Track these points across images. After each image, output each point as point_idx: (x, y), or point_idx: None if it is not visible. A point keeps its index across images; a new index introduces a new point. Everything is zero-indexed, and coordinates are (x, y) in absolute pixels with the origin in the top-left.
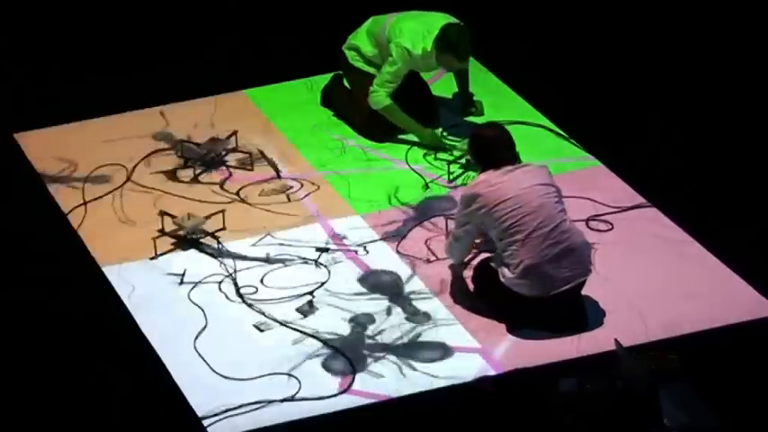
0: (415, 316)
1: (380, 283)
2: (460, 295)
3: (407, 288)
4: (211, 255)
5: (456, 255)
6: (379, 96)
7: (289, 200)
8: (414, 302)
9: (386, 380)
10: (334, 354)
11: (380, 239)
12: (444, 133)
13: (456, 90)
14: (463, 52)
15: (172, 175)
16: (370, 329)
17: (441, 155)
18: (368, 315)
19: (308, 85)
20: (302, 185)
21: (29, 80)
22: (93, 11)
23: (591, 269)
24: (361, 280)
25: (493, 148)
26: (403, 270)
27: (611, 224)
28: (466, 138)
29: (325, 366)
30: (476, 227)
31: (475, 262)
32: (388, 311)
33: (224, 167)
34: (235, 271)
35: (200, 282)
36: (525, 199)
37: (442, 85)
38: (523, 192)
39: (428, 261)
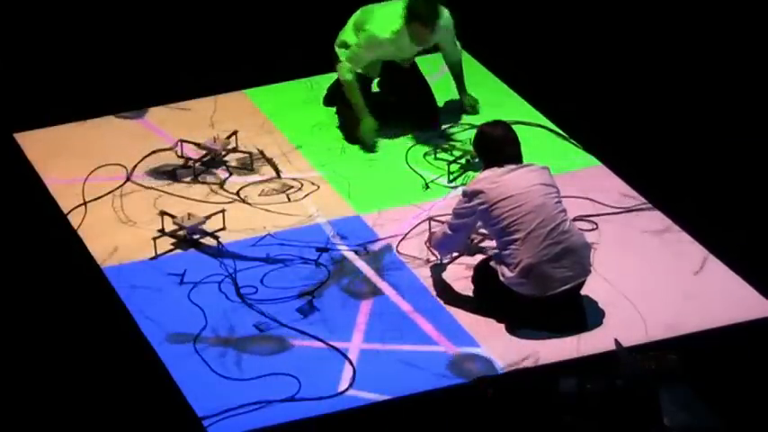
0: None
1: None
2: (460, 295)
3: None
4: (211, 255)
5: (446, 247)
6: (344, 70)
7: (289, 200)
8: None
9: (386, 380)
10: (335, 354)
11: (380, 239)
12: (445, 130)
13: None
14: (428, 17)
15: (172, 175)
16: (371, 329)
17: (441, 155)
18: (367, 315)
19: (308, 85)
20: (302, 185)
21: (29, 80)
22: (93, 11)
23: (590, 270)
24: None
25: (497, 146)
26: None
27: (596, 224)
28: (466, 138)
29: (325, 366)
30: (474, 222)
31: (463, 259)
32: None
33: (224, 167)
34: (235, 271)
35: (200, 282)
36: (526, 198)
37: (442, 86)
38: (525, 191)
39: (428, 261)
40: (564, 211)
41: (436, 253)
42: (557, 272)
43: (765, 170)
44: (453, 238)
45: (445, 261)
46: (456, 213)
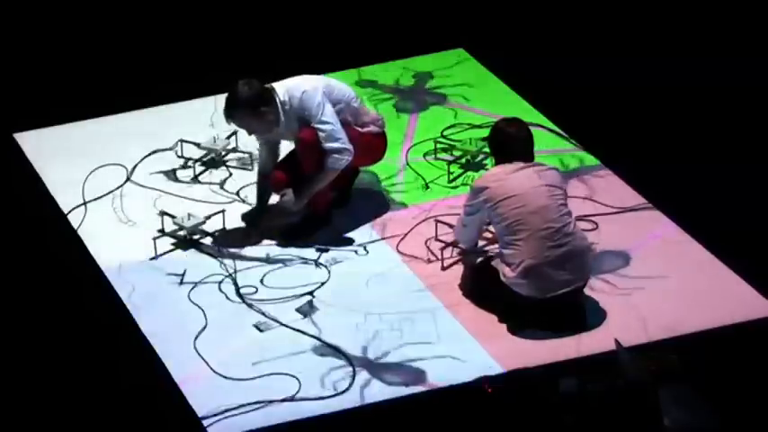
0: None
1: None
2: (461, 295)
3: None
4: (211, 255)
5: (465, 239)
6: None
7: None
8: None
9: (386, 380)
10: (335, 353)
11: (381, 239)
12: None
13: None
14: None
15: (172, 175)
16: (371, 330)
17: (441, 154)
18: (369, 316)
19: None
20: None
21: (29, 80)
22: (92, 10)
23: (590, 275)
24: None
25: (508, 143)
26: (403, 269)
27: (596, 224)
28: (466, 138)
29: (325, 366)
30: (482, 218)
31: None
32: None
33: (224, 167)
34: (235, 271)
35: (200, 282)
36: (531, 198)
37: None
38: (530, 191)
39: (428, 261)
40: (569, 213)
41: (437, 254)
42: (557, 274)
43: (765, 170)
44: (467, 231)
45: (453, 260)
46: (465, 210)
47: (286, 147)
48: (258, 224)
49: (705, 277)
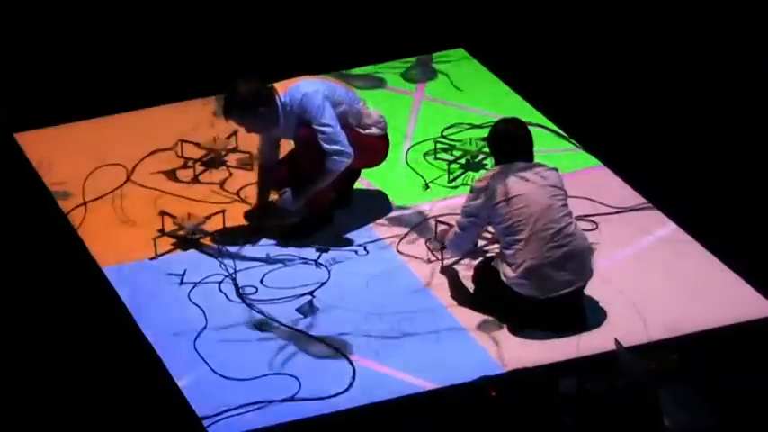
0: None
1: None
2: (461, 295)
3: None
4: (211, 255)
5: (459, 247)
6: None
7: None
8: None
9: (386, 380)
10: (335, 353)
11: (380, 239)
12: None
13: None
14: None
15: (172, 175)
16: (371, 330)
17: (441, 154)
18: (369, 316)
19: None
20: None
21: (29, 80)
22: (93, 10)
23: (591, 275)
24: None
25: (509, 144)
26: (404, 269)
27: (596, 224)
28: (466, 138)
29: (325, 366)
30: (482, 219)
31: (474, 262)
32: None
33: (224, 167)
34: (235, 271)
35: (200, 282)
36: (532, 198)
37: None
38: (531, 191)
39: (428, 261)
40: (569, 214)
41: (437, 254)
42: (558, 275)
43: (765, 170)
44: (464, 237)
45: (453, 260)
46: (464, 211)
47: (286, 146)
48: (260, 222)
49: (705, 277)
